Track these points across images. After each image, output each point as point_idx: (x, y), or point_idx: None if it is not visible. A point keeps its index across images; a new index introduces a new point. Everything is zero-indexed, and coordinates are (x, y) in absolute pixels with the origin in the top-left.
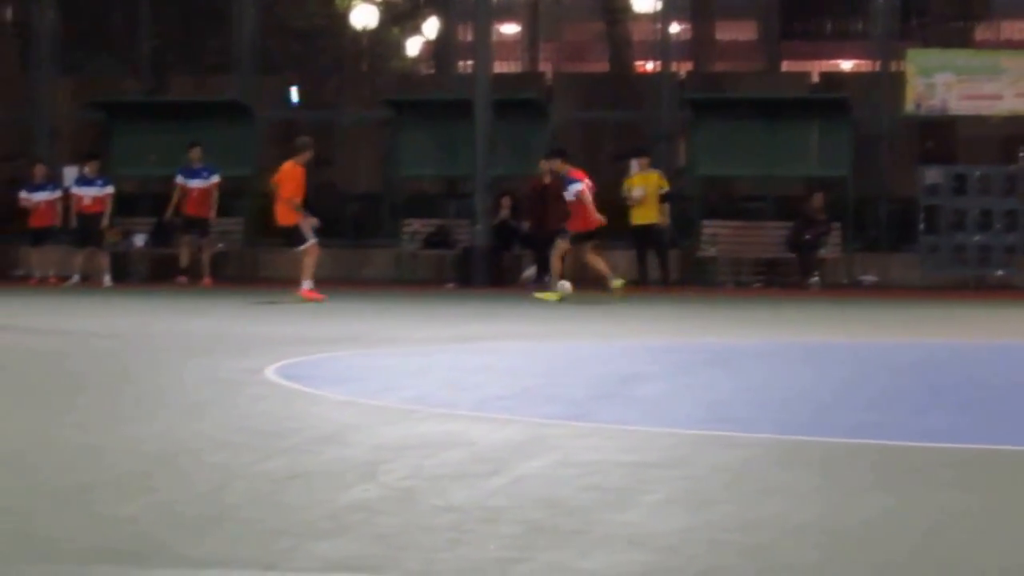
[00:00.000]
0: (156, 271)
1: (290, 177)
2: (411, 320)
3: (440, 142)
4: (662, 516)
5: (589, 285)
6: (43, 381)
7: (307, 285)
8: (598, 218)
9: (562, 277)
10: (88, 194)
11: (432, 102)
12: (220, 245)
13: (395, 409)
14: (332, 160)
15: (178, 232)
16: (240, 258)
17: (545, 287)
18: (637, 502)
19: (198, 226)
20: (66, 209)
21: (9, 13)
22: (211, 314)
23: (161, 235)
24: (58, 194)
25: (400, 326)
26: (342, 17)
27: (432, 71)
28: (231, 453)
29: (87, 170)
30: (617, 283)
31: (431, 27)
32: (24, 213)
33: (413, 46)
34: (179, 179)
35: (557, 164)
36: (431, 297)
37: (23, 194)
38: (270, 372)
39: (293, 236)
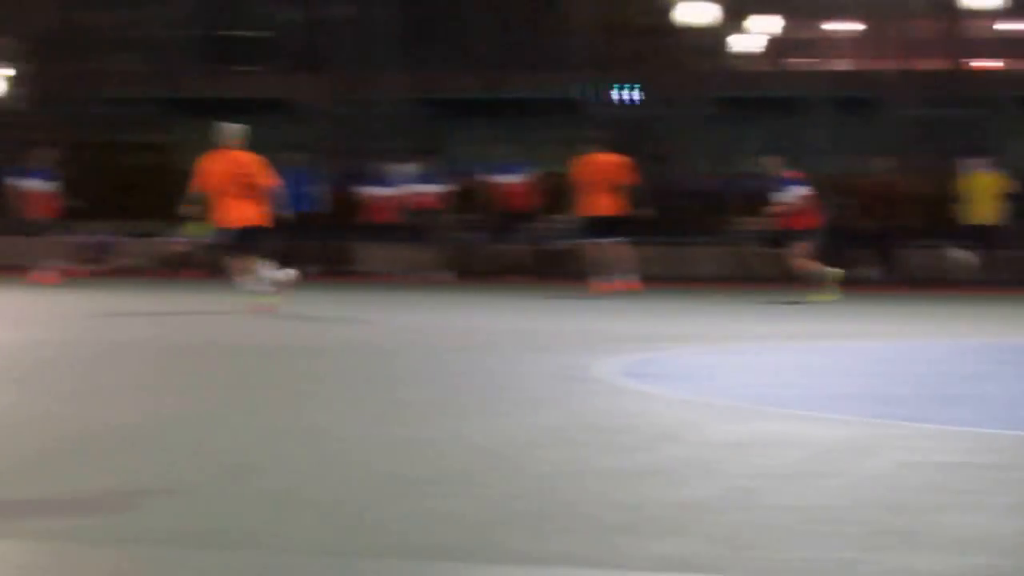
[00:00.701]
0: (495, 267)
1: (630, 167)
2: (748, 318)
3: (775, 139)
4: (1006, 518)
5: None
6: (381, 375)
7: (632, 277)
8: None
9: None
10: (423, 190)
11: (765, 99)
12: (560, 241)
13: (731, 407)
14: (666, 156)
15: (507, 231)
16: (575, 255)
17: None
18: (980, 504)
19: (524, 220)
20: (403, 205)
21: (349, 9)
22: (550, 310)
23: (498, 231)
24: (401, 190)
25: (737, 324)
26: (676, 14)
27: (766, 68)
28: (567, 449)
29: (420, 166)
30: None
31: (763, 24)
32: (362, 208)
33: (746, 43)
34: (491, 176)
35: (774, 164)
36: (769, 295)
37: (365, 188)
38: (607, 369)
39: (623, 227)
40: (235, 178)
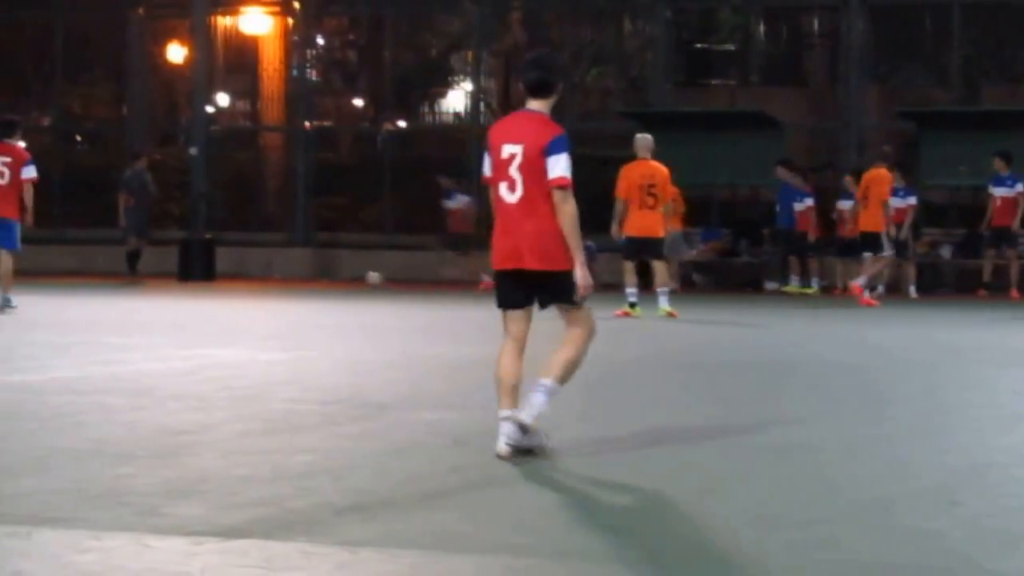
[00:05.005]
0: (962, 283)
1: (887, 181)
2: None
3: None
4: None
5: None
6: (849, 393)
7: (861, 282)
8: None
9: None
10: (896, 205)
11: None
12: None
13: None
14: None
15: (984, 244)
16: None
17: None
18: None
19: (1003, 237)
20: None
21: (818, 23)
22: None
23: (969, 246)
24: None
25: None
26: None
27: None
28: None
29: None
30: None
31: None
32: (834, 224)
33: None
34: (991, 189)
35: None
36: None
37: (839, 203)
38: None
39: (876, 243)
40: (641, 188)
